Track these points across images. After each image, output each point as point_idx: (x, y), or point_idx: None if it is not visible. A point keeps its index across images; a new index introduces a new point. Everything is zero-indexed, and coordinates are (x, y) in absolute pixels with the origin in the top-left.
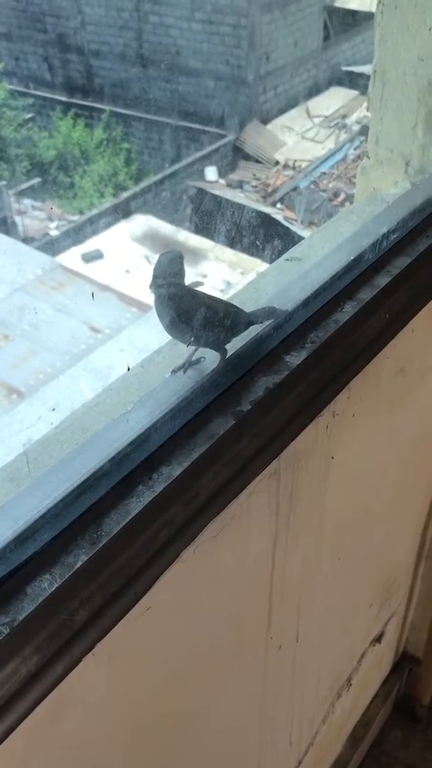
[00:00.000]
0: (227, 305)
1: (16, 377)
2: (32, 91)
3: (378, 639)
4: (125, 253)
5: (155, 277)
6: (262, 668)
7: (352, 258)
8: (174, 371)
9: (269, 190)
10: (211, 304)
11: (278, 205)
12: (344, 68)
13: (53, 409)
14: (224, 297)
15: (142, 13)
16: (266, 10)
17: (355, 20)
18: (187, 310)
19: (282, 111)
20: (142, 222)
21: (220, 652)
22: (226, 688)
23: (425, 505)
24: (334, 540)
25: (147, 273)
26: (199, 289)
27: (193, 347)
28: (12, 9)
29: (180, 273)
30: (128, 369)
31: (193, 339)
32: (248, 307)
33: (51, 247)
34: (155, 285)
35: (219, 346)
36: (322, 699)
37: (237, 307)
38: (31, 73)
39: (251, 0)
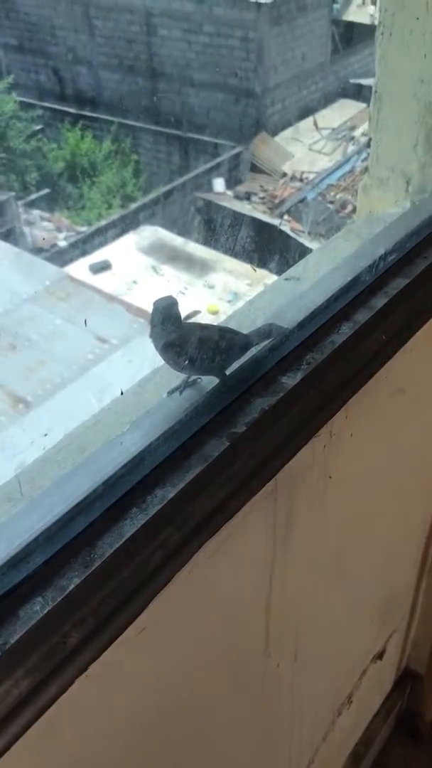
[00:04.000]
0: (222, 332)
1: (24, 387)
2: (42, 103)
3: (379, 656)
4: (133, 264)
5: (153, 326)
6: (259, 687)
7: (349, 279)
8: (170, 392)
9: (276, 201)
10: (207, 336)
11: (285, 217)
12: (352, 81)
13: (45, 435)
14: (232, 307)
15: (151, 27)
16: (274, 24)
17: (362, 33)
18: (184, 349)
19: (290, 123)
20: (149, 233)
21: (217, 672)
22: (222, 707)
23: (426, 522)
24: (332, 558)
25: (154, 284)
26: (196, 319)
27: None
28: (23, 22)
29: (177, 318)
30: (122, 393)
31: (192, 371)
32: (246, 327)
33: (59, 257)
34: (154, 336)
35: (218, 372)
36: (321, 717)
37: (233, 332)
38: (40, 85)
39: (259, 13)
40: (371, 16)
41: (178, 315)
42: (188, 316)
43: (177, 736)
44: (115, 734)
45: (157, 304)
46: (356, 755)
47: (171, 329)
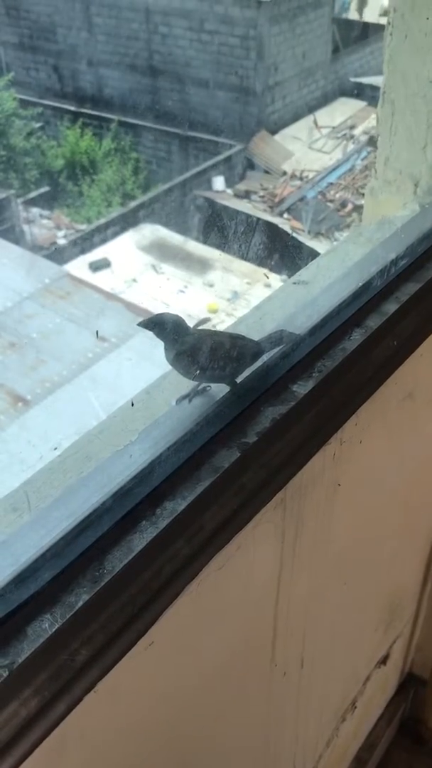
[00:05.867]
0: (234, 340)
1: (23, 385)
2: (41, 101)
3: (383, 661)
4: (132, 262)
5: (165, 345)
6: (266, 695)
7: (360, 284)
8: (179, 400)
9: (276, 200)
10: (218, 344)
11: (285, 215)
12: (352, 79)
13: (55, 449)
14: (231, 306)
15: (151, 24)
16: (275, 22)
17: (363, 31)
18: (195, 358)
19: (290, 121)
20: (149, 231)
21: (224, 682)
22: (229, 717)
23: None
24: (340, 565)
25: (154, 282)
26: (206, 326)
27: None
28: (23, 20)
29: (185, 329)
30: (132, 404)
31: (203, 379)
32: (255, 333)
33: (58, 255)
34: (166, 347)
35: (229, 380)
36: (326, 723)
37: (245, 339)
38: (40, 83)
39: (260, 11)
40: (357, 12)
41: (185, 327)
42: (198, 324)
43: (183, 745)
44: (123, 747)
45: (159, 316)
46: (360, 760)
47: (181, 339)
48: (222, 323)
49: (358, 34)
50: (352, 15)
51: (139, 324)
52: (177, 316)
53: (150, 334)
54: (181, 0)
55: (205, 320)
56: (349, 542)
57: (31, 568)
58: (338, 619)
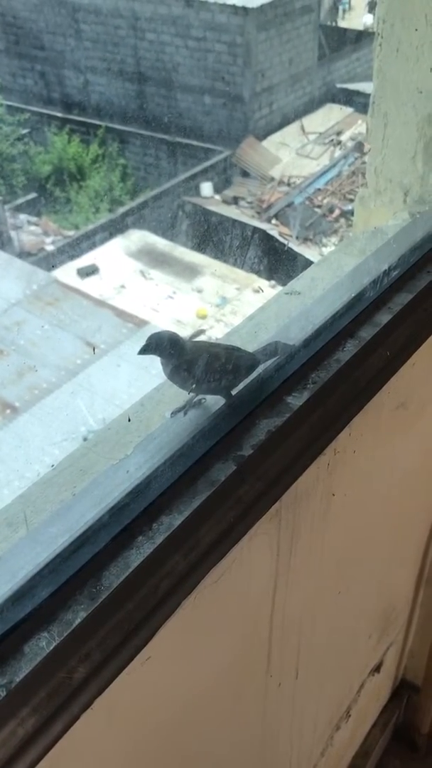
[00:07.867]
0: (229, 352)
1: (11, 392)
2: (28, 107)
3: (377, 669)
4: (121, 268)
5: (161, 360)
6: (261, 707)
7: (353, 295)
8: (174, 413)
9: (264, 206)
10: (214, 357)
11: (273, 221)
12: (339, 85)
13: (52, 466)
14: (220, 311)
15: (138, 31)
16: (262, 29)
17: (349, 38)
18: (192, 372)
19: (277, 128)
20: (137, 237)
21: (220, 695)
22: (225, 728)
23: (425, 532)
24: (334, 575)
25: (143, 288)
26: (201, 338)
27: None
28: (9, 25)
29: (182, 344)
30: (129, 420)
31: (200, 392)
32: (249, 343)
33: (46, 262)
34: (164, 362)
35: (225, 392)
36: (320, 732)
37: (240, 351)
38: (27, 89)
39: (247, 18)
40: (334, 18)
41: (183, 342)
42: (193, 335)
43: (179, 757)
44: (120, 762)
45: (155, 337)
46: None
47: (178, 353)
48: (212, 329)
49: (345, 41)
50: (339, 22)
51: (139, 353)
52: (172, 332)
53: (141, 340)
54: (169, 6)
55: (200, 332)
56: (343, 551)
57: (27, 586)
58: (332, 629)
